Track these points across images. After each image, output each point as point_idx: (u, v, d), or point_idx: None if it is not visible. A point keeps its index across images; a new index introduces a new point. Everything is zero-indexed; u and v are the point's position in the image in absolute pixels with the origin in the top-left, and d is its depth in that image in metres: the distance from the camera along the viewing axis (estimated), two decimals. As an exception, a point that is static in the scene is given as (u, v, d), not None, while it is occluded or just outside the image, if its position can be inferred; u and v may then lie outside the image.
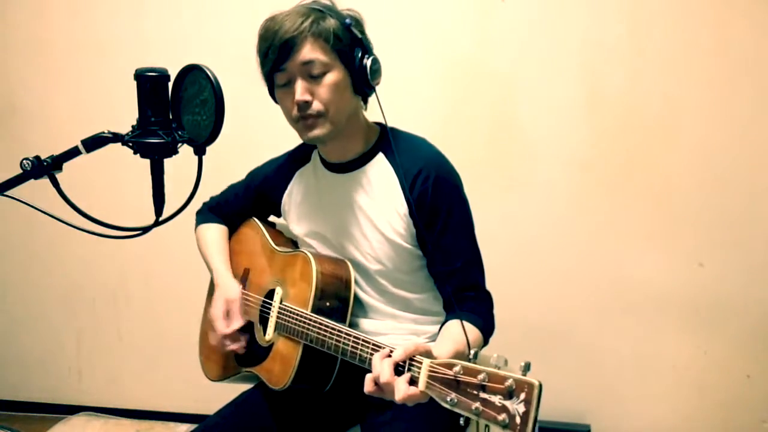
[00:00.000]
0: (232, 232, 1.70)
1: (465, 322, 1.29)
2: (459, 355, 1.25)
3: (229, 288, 1.53)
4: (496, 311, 1.45)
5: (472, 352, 1.02)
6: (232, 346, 1.49)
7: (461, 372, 0.99)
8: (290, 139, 1.60)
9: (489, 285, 1.47)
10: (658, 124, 2.12)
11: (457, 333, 1.29)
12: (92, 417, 2.65)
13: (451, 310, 1.41)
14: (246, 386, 1.60)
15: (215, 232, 1.67)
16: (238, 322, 1.49)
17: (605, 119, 2.15)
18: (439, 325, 1.45)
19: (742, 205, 2.10)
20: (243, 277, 1.60)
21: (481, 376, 0.96)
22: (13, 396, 2.75)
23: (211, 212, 1.71)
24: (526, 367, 0.93)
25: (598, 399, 2.28)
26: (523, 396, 0.91)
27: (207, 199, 1.73)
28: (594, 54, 2.12)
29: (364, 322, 1.47)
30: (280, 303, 1.45)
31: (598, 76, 2.13)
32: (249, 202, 1.67)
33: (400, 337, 1.46)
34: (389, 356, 1.12)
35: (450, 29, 2.20)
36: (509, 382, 0.92)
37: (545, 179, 2.20)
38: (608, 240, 2.20)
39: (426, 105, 2.23)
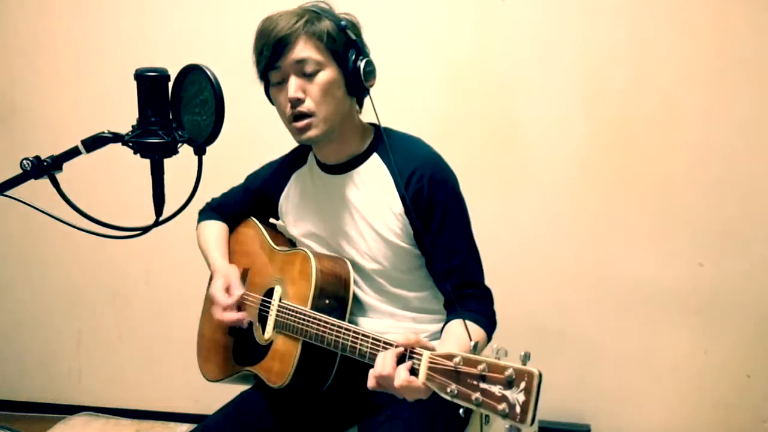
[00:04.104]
0: (231, 233, 1.71)
1: (470, 323, 1.29)
2: None
3: (226, 266, 1.56)
4: (495, 310, 1.45)
5: (472, 343, 1.02)
6: (236, 316, 1.47)
7: (461, 363, 0.98)
8: (290, 139, 1.60)
9: (489, 285, 1.46)
10: (657, 124, 2.12)
11: (460, 334, 1.28)
12: (92, 417, 2.65)
13: (452, 309, 1.41)
14: (244, 387, 1.60)
15: (215, 229, 1.68)
16: (238, 291, 1.48)
17: (605, 119, 2.15)
18: (438, 324, 1.45)
19: (742, 204, 2.10)
20: (242, 277, 1.60)
21: (481, 367, 0.95)
22: (13, 396, 2.75)
23: (213, 212, 1.73)
24: (526, 357, 0.92)
25: (598, 399, 2.28)
26: (523, 385, 0.90)
27: (208, 199, 1.74)
28: (594, 54, 2.12)
29: (363, 321, 1.48)
30: (280, 301, 1.45)
31: (597, 76, 2.13)
32: (248, 205, 1.68)
33: (399, 335, 1.46)
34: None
35: (450, 29, 2.20)
36: (509, 371, 0.92)
37: (545, 179, 2.20)
38: (608, 239, 2.20)
39: (426, 105, 2.23)
